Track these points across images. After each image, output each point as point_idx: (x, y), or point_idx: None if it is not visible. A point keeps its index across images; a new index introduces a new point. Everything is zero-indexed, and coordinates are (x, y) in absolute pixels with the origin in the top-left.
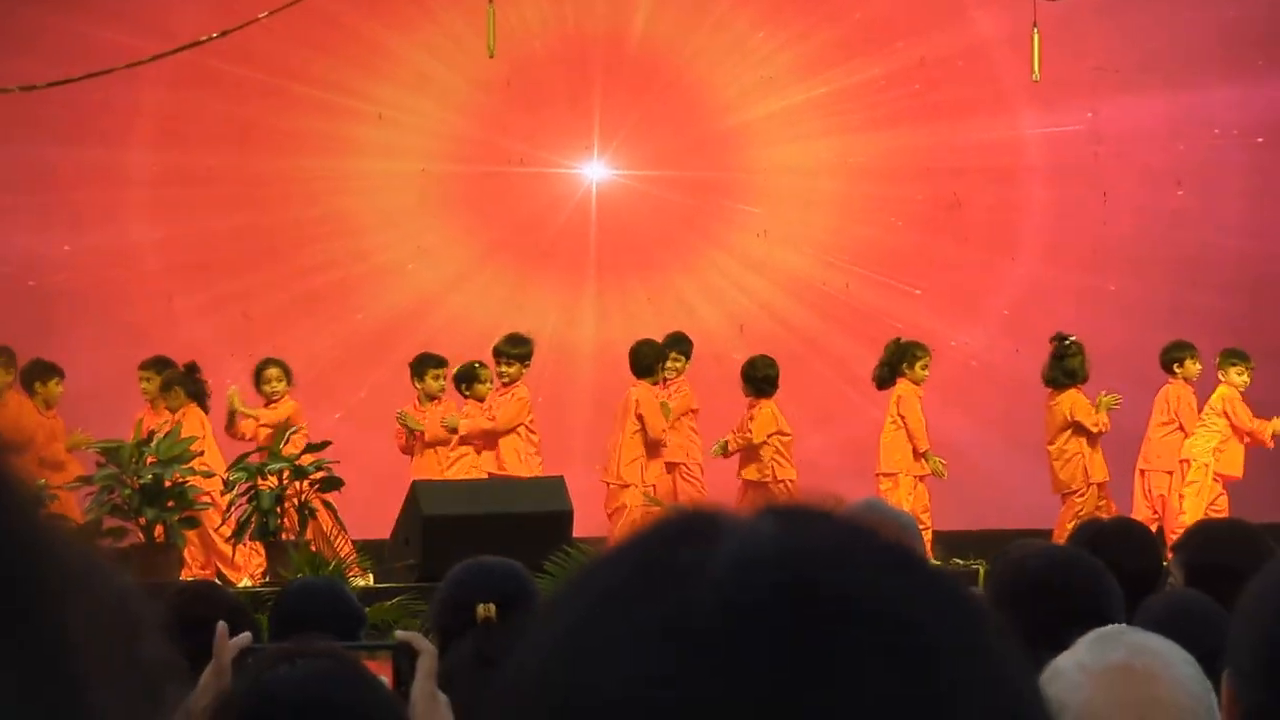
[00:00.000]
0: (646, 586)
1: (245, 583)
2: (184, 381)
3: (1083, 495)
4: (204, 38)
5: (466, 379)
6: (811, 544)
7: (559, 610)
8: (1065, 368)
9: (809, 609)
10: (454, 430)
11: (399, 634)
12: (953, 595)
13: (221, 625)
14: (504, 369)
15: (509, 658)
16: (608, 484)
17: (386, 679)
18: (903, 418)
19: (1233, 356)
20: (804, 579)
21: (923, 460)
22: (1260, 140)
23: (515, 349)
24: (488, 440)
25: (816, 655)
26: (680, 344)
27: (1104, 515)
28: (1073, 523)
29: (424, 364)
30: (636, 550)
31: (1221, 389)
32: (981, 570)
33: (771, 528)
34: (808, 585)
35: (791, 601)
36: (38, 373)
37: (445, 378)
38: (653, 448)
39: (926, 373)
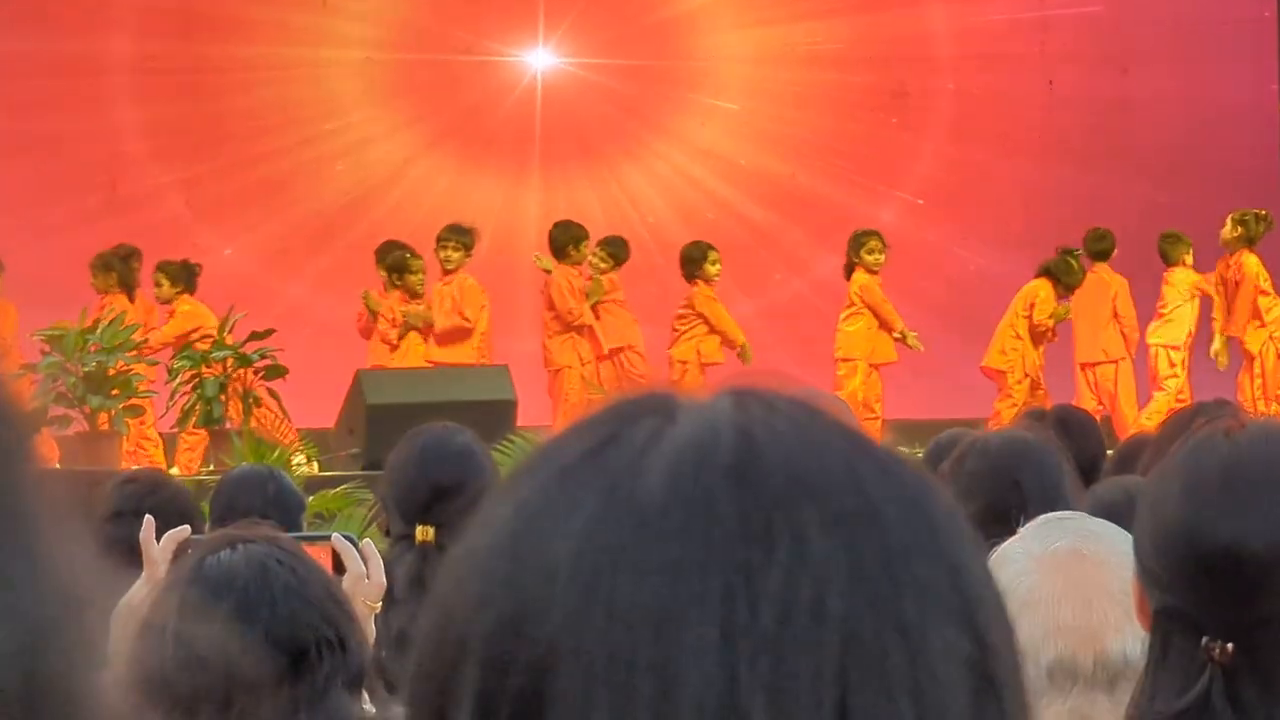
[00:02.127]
0: (601, 462)
1: (174, 471)
2: (120, 267)
3: (1020, 383)
4: None
5: (398, 269)
6: (765, 424)
7: (512, 487)
8: (1060, 263)
9: (757, 488)
10: (429, 324)
11: (365, 544)
12: (904, 477)
13: (148, 519)
14: (449, 254)
15: (463, 532)
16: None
17: (326, 566)
18: (869, 307)
19: (1181, 241)
20: (754, 458)
21: (900, 339)
22: (1206, 28)
23: (459, 236)
24: (461, 334)
25: (762, 534)
26: (610, 244)
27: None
28: (1010, 411)
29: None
30: (592, 429)
31: (1184, 273)
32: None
33: (727, 407)
34: (757, 464)
35: (740, 479)
36: None
37: (423, 270)
38: (575, 328)
39: (875, 257)
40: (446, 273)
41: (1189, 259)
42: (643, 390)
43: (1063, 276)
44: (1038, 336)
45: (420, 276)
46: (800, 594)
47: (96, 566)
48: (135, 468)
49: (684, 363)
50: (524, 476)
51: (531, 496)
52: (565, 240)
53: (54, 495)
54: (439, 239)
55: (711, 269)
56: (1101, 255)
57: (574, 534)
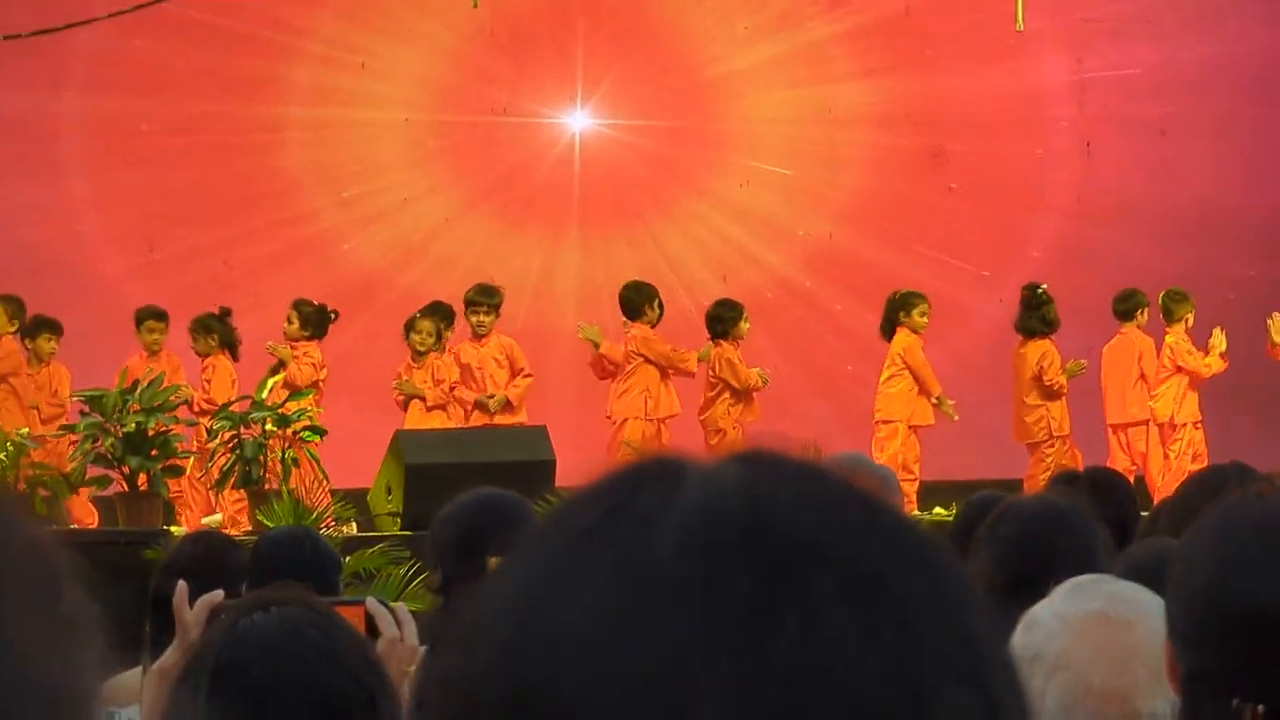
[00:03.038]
0: (610, 529)
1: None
2: (220, 328)
3: (1051, 447)
4: None
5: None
6: (775, 490)
7: (522, 554)
8: (1042, 316)
9: (768, 553)
10: (506, 403)
11: (398, 607)
12: (919, 546)
13: (181, 584)
14: (482, 319)
15: (475, 593)
16: (610, 419)
17: (360, 629)
18: (910, 369)
19: (1185, 301)
20: (764, 523)
21: (937, 404)
22: (1244, 90)
23: (490, 299)
24: (528, 392)
25: (773, 600)
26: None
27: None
28: (1044, 475)
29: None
30: (602, 493)
31: (1175, 339)
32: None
33: (736, 473)
34: (767, 530)
35: (750, 545)
36: (30, 328)
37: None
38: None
39: (925, 320)
40: (478, 336)
41: (1190, 319)
42: (652, 455)
43: (1048, 322)
44: (1054, 394)
45: (421, 335)
46: (809, 663)
47: (72, 652)
48: (202, 529)
49: (720, 431)
50: (533, 544)
51: (541, 565)
52: (639, 300)
53: (31, 573)
54: (469, 302)
55: (744, 326)
56: (1126, 315)
57: (583, 604)
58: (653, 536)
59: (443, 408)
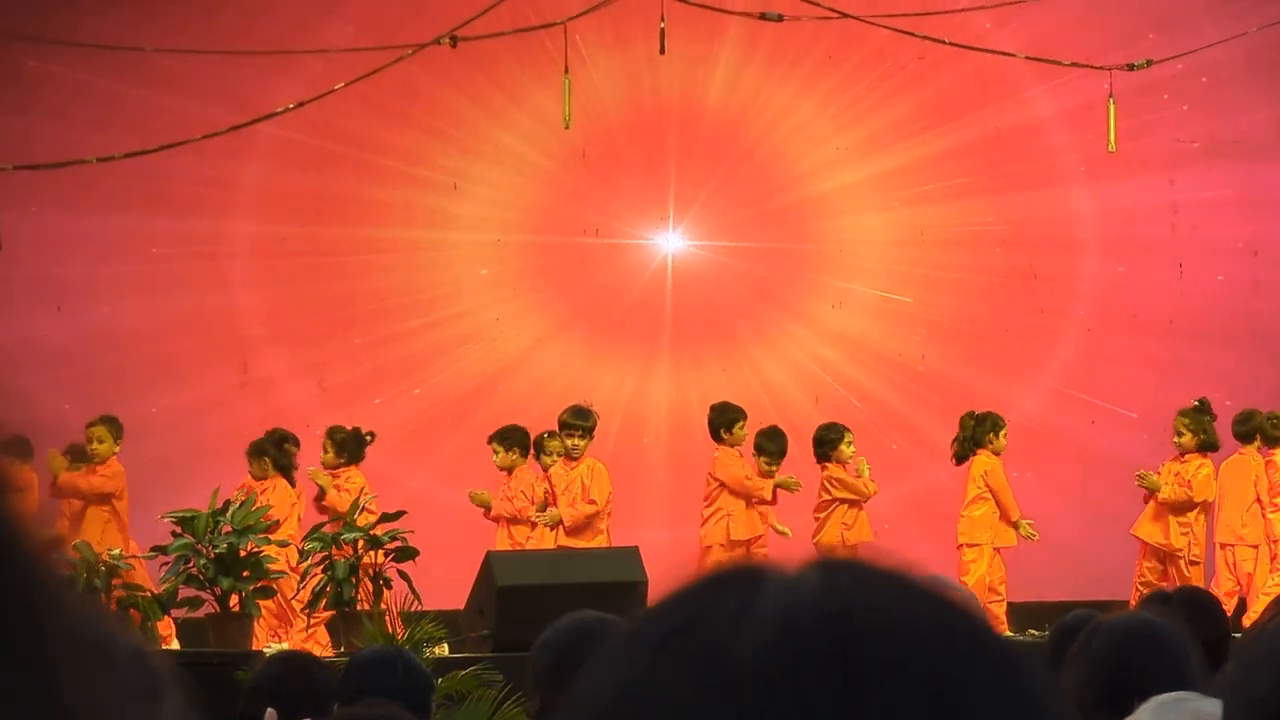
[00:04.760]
0: (690, 635)
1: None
2: (274, 452)
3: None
4: (280, 109)
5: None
6: (853, 598)
7: (608, 657)
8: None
9: (844, 661)
10: (559, 522)
11: None
12: (998, 653)
13: (270, 712)
14: (576, 442)
15: (564, 702)
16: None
17: None
18: (993, 491)
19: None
20: (841, 631)
21: (1015, 528)
22: None
23: (584, 421)
24: (590, 522)
25: (848, 709)
26: (773, 440)
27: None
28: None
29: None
30: (684, 600)
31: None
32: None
33: (816, 580)
34: (845, 638)
35: (827, 653)
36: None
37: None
38: (744, 500)
39: (1005, 441)
40: (571, 459)
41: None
42: (733, 563)
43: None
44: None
45: (554, 457)
46: None
47: None
48: (288, 649)
49: (830, 549)
50: (614, 655)
51: (623, 670)
52: (720, 423)
53: (136, 680)
54: (563, 425)
55: (847, 450)
56: (1246, 437)
57: (663, 709)
58: (731, 643)
59: (511, 520)
